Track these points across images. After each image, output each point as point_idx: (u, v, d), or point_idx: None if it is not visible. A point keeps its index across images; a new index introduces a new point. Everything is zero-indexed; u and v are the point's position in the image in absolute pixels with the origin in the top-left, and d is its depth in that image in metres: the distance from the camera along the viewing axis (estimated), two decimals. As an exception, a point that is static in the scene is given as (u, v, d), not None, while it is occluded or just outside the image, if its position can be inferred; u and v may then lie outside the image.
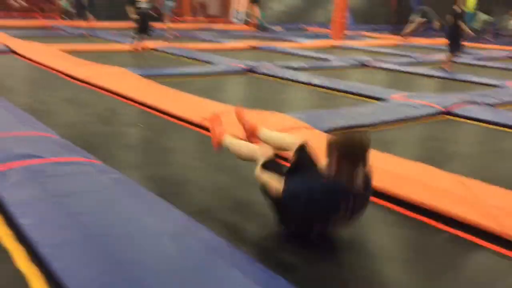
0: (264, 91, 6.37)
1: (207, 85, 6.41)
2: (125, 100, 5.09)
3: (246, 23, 17.49)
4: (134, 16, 8.07)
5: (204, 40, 12.12)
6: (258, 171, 2.37)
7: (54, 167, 2.73)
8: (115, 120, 4.49)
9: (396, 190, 2.86)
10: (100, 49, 9.29)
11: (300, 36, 14.95)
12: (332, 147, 2.13)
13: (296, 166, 2.35)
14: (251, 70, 7.45)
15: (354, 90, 6.21)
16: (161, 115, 4.60)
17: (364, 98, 5.90)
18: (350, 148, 2.09)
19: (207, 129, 4.13)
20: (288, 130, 3.81)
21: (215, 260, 1.93)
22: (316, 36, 15.52)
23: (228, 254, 2.00)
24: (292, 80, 6.87)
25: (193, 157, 3.58)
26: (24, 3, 15.59)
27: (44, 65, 6.87)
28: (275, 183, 2.22)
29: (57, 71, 6.48)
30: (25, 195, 2.40)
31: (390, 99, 5.62)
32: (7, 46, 8.34)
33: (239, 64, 7.71)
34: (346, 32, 14.91)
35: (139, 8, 7.45)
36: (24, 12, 15.43)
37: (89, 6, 14.88)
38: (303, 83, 6.74)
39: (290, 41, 13.22)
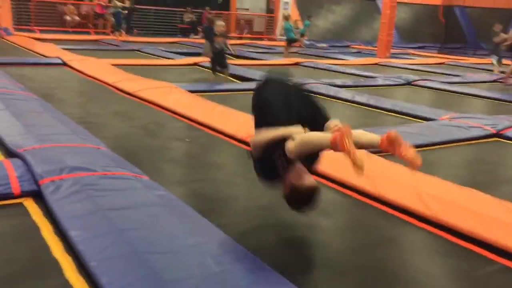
0: (308, 108, 6.34)
1: (249, 100, 6.43)
2: (172, 114, 5.19)
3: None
4: (210, 53, 8.11)
5: (249, 57, 12.25)
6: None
7: (104, 180, 2.80)
8: (161, 134, 4.58)
9: (445, 217, 2.77)
10: (149, 63, 9.54)
11: (344, 53, 14.89)
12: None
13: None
14: (295, 87, 7.44)
15: (399, 109, 6.09)
16: (207, 129, 4.65)
17: (410, 118, 5.78)
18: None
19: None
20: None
21: (258, 285, 1.92)
22: (361, 53, 15.41)
23: (271, 279, 1.98)
24: (336, 98, 6.82)
25: (237, 174, 3.59)
26: (78, 19, 16.27)
27: (95, 78, 7.11)
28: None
29: (107, 84, 6.69)
30: (75, 208, 2.47)
31: (438, 120, 5.48)
32: (61, 59, 8.70)
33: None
34: (392, 50, 14.73)
35: (215, 47, 7.49)
36: (78, 28, 16.10)
37: (127, 22, 15.49)
38: (346, 100, 6.68)
39: (334, 58, 13.17)
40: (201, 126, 4.76)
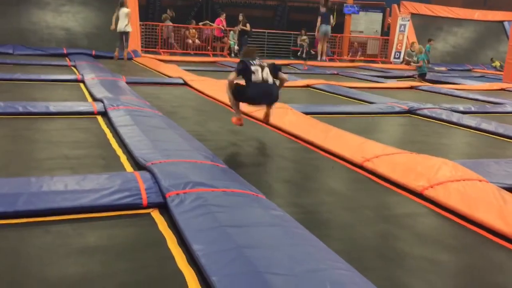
0: (426, 134, 6.04)
1: (365, 124, 6.30)
2: (287, 135, 5.23)
3: (408, 63, 17.00)
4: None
5: (362, 79, 12.05)
6: (230, 76, 4.72)
7: (224, 197, 2.88)
8: (276, 154, 4.63)
9: None
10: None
11: (465, 77, 14.04)
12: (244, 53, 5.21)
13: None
14: (411, 111, 7.15)
15: (533, 140, 5.55)
16: (322, 152, 4.61)
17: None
18: (246, 51, 5.16)
19: (366, 170, 4.04)
20: (460, 180, 3.54)
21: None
22: (485, 78, 14.42)
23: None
24: (458, 124, 6.41)
25: (353, 199, 3.49)
26: (199, 42, 17.28)
27: (214, 98, 7.44)
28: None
29: (225, 104, 6.95)
30: (198, 222, 2.56)
31: None
32: (183, 79, 9.25)
33: (399, 104, 7.46)
34: (520, 74, 13.57)
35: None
36: (198, 50, 17.09)
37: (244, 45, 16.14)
38: (470, 127, 6.24)
39: (454, 82, 12.47)
40: (316, 148, 4.73)
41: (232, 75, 4.70)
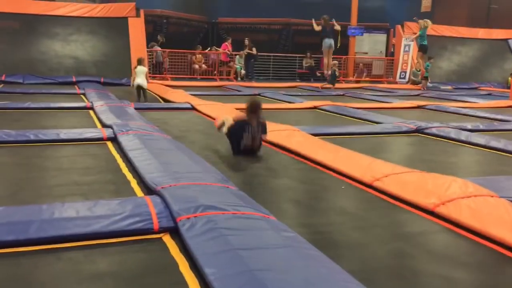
0: (434, 152, 6.02)
1: (373, 144, 6.29)
2: (295, 157, 5.24)
3: (413, 83, 17.07)
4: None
5: (368, 100, 12.09)
6: (225, 129, 5.30)
7: (235, 220, 2.87)
8: (285, 175, 4.63)
9: None
10: (269, 108, 9.84)
11: (471, 95, 14.04)
12: (247, 107, 5.07)
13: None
14: (419, 131, 7.14)
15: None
16: (331, 172, 4.61)
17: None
18: (251, 106, 5.02)
19: (376, 189, 4.02)
20: (471, 196, 3.52)
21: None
22: (492, 96, 14.41)
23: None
24: (467, 142, 6.39)
25: (364, 218, 3.47)
26: (205, 67, 17.48)
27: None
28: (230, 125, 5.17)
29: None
30: (209, 245, 2.55)
31: None
32: (190, 104, 9.33)
33: (406, 123, 7.46)
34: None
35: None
36: (204, 75, 17.28)
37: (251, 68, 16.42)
38: (480, 145, 6.22)
39: (461, 101, 12.47)
40: (325, 169, 4.73)
41: (222, 127, 5.47)
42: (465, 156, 5.94)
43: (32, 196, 3.65)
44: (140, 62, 11.04)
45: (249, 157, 5.13)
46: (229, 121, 5.24)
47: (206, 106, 9.03)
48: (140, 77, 10.77)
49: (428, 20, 16.54)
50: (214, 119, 6.39)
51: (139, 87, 10.61)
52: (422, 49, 16.40)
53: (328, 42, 14.79)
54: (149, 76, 12.52)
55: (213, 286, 2.17)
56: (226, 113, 7.85)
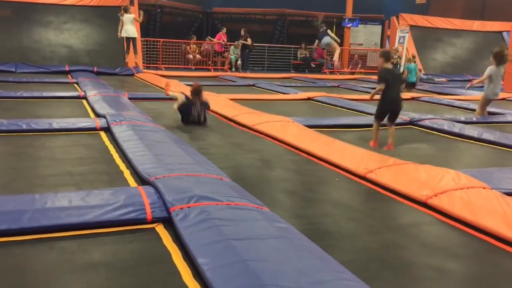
0: (428, 145, 6.04)
1: (367, 136, 6.30)
2: (289, 148, 5.25)
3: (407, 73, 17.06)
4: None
5: (363, 91, 12.08)
6: (176, 105, 6.41)
7: (228, 210, 2.88)
8: (279, 166, 4.63)
9: None
10: (264, 98, 9.83)
11: (466, 88, 14.06)
12: (191, 91, 6.47)
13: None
14: (412, 123, 7.16)
15: (536, 149, 5.54)
16: (324, 164, 4.62)
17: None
18: (194, 91, 6.40)
19: (369, 181, 4.04)
20: (463, 188, 3.54)
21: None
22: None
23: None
24: (460, 135, 6.41)
25: (356, 210, 3.49)
26: (199, 57, 17.40)
27: (215, 112, 7.45)
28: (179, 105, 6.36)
29: (226, 118, 6.98)
30: (203, 236, 2.56)
31: None
32: (184, 94, 9.26)
33: (400, 115, 7.45)
34: (521, 83, 13.61)
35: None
36: (199, 65, 17.20)
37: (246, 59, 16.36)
38: (472, 138, 6.24)
39: (454, 94, 12.50)
40: (318, 160, 4.74)
41: (175, 106, 6.49)
42: (458, 148, 5.96)
43: (25, 186, 3.64)
44: (126, 10, 10.56)
45: (199, 127, 6.31)
46: (180, 100, 6.45)
47: (200, 96, 8.98)
48: (129, 26, 10.28)
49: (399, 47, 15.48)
50: (164, 88, 7.70)
51: (128, 38, 10.16)
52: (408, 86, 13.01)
53: (324, 41, 14.55)
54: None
55: (206, 276, 2.17)
56: (219, 102, 7.84)
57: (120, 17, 10.55)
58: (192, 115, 6.32)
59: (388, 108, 5.59)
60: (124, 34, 10.29)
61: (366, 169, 4.19)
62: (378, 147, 5.46)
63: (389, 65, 5.61)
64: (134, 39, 10.32)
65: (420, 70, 15.72)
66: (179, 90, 8.10)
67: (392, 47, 15.94)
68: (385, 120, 5.69)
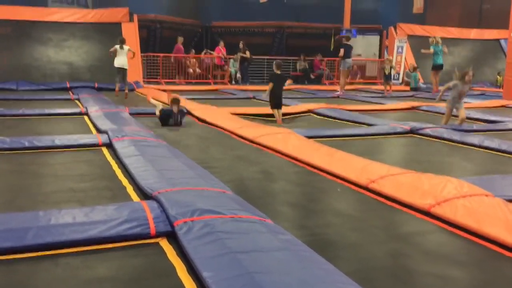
0: (429, 153, 6.06)
1: (368, 146, 6.33)
2: (290, 160, 5.26)
3: (407, 84, 17.14)
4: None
5: (362, 101, 12.13)
6: (157, 111, 7.71)
7: (232, 223, 2.88)
8: (281, 178, 4.64)
9: None
10: (265, 112, 9.85)
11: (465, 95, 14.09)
12: (170, 100, 7.67)
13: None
14: (413, 131, 7.18)
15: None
16: (326, 175, 4.63)
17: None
18: (172, 101, 7.56)
19: (372, 191, 4.05)
20: (466, 196, 3.54)
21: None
22: (485, 96, 14.50)
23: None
24: (461, 142, 6.43)
25: (360, 220, 3.49)
26: (199, 71, 17.49)
27: (217, 126, 7.50)
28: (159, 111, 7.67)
29: (228, 131, 7.01)
30: (207, 249, 2.56)
31: None
32: (185, 108, 9.30)
33: (401, 125, 7.50)
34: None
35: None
36: (199, 79, 17.29)
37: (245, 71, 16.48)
38: (474, 145, 6.26)
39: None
40: (320, 172, 4.75)
41: (157, 112, 7.76)
42: (460, 156, 5.97)
43: (28, 203, 3.65)
44: (123, 41, 10.75)
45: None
46: (159, 107, 7.80)
47: (200, 110, 9.02)
48: (123, 57, 10.47)
49: (437, 37, 15.85)
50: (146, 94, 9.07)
51: (121, 68, 10.35)
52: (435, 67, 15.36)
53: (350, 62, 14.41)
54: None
55: (211, 290, 2.18)
56: (220, 115, 7.88)
57: (118, 48, 10.85)
58: (171, 120, 7.57)
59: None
60: (117, 64, 10.59)
61: (368, 179, 4.20)
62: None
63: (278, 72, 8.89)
64: (125, 70, 10.62)
65: (419, 80, 15.88)
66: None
67: (389, 57, 16.03)
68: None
